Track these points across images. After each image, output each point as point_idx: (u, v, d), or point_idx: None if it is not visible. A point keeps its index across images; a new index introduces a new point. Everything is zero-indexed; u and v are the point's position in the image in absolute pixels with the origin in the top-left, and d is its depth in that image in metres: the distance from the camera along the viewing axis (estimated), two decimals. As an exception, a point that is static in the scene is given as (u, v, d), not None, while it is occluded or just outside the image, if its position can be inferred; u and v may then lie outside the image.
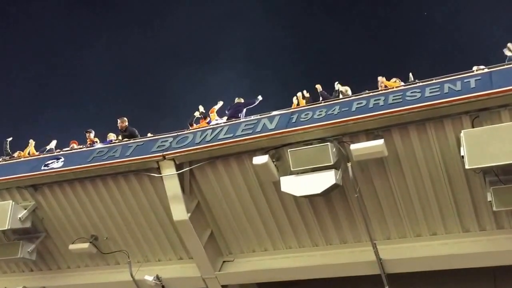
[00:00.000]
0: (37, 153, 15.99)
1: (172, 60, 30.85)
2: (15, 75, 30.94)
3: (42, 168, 12.41)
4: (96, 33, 31.30)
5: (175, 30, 30.89)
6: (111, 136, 15.48)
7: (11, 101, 29.71)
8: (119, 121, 14.36)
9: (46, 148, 16.49)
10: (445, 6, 27.06)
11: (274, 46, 30.37)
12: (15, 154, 16.33)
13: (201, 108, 14.69)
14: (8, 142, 17.02)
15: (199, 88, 27.66)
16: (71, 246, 12.70)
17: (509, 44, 12.16)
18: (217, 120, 14.47)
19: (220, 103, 15.17)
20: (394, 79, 12.89)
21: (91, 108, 29.87)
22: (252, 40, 30.31)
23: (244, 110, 13.82)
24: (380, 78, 13.06)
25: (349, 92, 13.01)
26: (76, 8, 31.87)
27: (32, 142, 16.77)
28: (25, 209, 12.51)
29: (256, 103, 14.22)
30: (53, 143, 16.72)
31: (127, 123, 14.28)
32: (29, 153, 16.32)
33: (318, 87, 14.24)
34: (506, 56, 11.83)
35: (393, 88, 11.24)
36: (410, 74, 13.30)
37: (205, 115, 14.48)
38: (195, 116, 14.76)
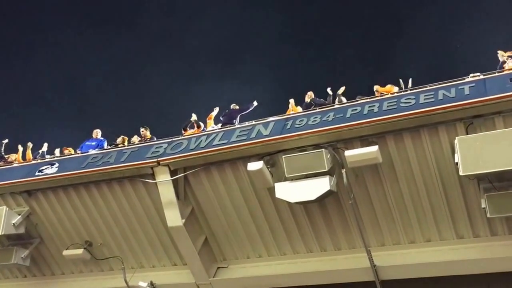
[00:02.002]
0: (32, 158, 15.93)
1: (170, 65, 30.88)
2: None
3: (36, 173, 12.40)
4: (91, 37, 31.33)
5: (172, 35, 30.96)
6: (97, 133, 15.47)
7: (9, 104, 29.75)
8: (143, 130, 14.64)
9: (39, 152, 16.43)
10: (441, 13, 27.18)
11: (271, 50, 30.42)
12: (7, 156, 16.21)
13: (194, 117, 14.65)
14: (3, 144, 16.91)
15: (196, 94, 27.65)
16: (65, 252, 12.65)
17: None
18: (213, 127, 14.43)
19: (217, 109, 15.15)
20: (389, 86, 12.91)
21: (88, 112, 29.83)
22: (249, 46, 30.39)
23: (239, 116, 13.82)
24: (376, 87, 13.09)
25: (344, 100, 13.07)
26: (71, 11, 31.95)
27: (29, 145, 16.67)
28: (19, 214, 12.46)
29: (251, 109, 14.21)
30: (44, 146, 16.67)
31: (149, 133, 14.59)
32: (24, 157, 16.22)
33: (310, 94, 14.21)
34: (499, 60, 11.85)
35: (388, 93, 11.26)
36: (410, 80, 13.27)
37: (198, 124, 14.42)
38: (190, 121, 14.71)
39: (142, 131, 14.82)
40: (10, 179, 12.65)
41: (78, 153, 14.33)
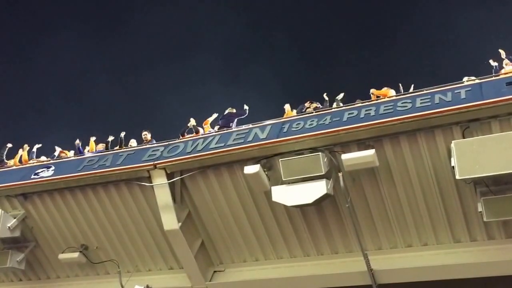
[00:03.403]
0: (29, 159, 15.87)
1: (166, 69, 30.89)
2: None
3: (32, 176, 12.37)
4: (91, 40, 31.37)
5: (169, 38, 30.98)
6: (100, 146, 15.42)
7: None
8: (145, 133, 14.66)
9: (34, 152, 16.38)
10: (437, 17, 27.30)
11: (271, 55, 30.51)
12: (7, 162, 16.15)
13: (192, 121, 14.65)
14: (6, 149, 16.84)
15: (192, 98, 27.66)
16: (61, 256, 12.62)
17: (500, 50, 12.19)
18: (210, 132, 14.41)
19: (215, 115, 15.13)
20: (385, 88, 12.89)
21: (86, 115, 29.81)
22: (249, 50, 30.49)
23: (236, 120, 13.80)
24: (372, 91, 13.07)
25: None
26: (70, 14, 32.00)
27: (26, 147, 16.60)
28: (15, 218, 12.44)
29: (246, 114, 14.19)
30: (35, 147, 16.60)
31: (149, 136, 14.61)
32: (20, 160, 16.16)
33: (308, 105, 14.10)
34: (493, 66, 11.88)
35: (384, 96, 11.26)
36: (401, 85, 13.26)
37: (196, 130, 14.42)
38: (188, 126, 14.69)
39: (144, 135, 14.81)
40: (6, 182, 12.63)
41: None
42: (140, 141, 14.77)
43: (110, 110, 29.41)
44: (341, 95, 13.81)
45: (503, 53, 12.08)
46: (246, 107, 14.37)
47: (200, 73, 30.21)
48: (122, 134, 15.18)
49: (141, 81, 31.12)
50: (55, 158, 15.86)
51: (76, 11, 32.01)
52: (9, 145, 16.65)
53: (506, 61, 11.74)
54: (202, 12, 31.44)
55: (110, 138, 15.44)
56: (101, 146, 15.51)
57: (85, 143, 15.92)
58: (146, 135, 14.66)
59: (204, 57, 30.11)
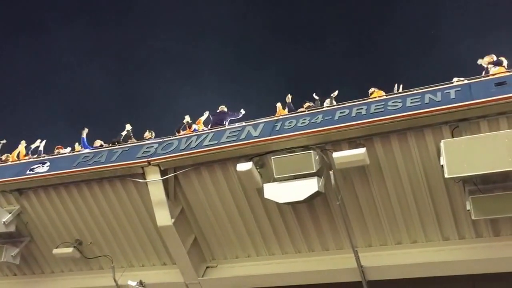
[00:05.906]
0: (26, 156, 15.93)
1: (162, 67, 30.95)
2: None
3: (28, 172, 12.44)
4: (90, 35, 31.41)
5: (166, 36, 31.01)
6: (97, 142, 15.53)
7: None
8: (147, 133, 14.87)
9: (31, 147, 16.44)
10: (427, 18, 27.45)
11: (262, 54, 30.56)
12: (3, 157, 16.21)
13: (187, 118, 14.75)
14: (0, 145, 16.89)
15: (188, 97, 27.72)
16: (55, 251, 12.69)
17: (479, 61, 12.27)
18: (203, 129, 14.48)
19: (206, 114, 15.23)
20: (372, 89, 12.95)
21: (85, 112, 29.85)
22: (237, 49, 30.56)
23: (229, 119, 13.92)
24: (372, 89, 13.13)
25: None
26: (67, 9, 32.00)
27: (23, 143, 16.67)
28: (10, 213, 12.52)
29: (240, 116, 14.30)
30: (37, 142, 16.65)
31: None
32: (18, 155, 16.22)
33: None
34: (484, 66, 11.96)
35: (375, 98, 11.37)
36: (397, 85, 13.37)
37: (190, 125, 14.53)
38: (184, 123, 14.81)
39: (150, 133, 14.96)
40: (1, 177, 12.69)
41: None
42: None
43: (108, 108, 29.51)
44: (335, 93, 13.91)
45: (485, 61, 12.12)
46: (242, 111, 14.49)
47: (199, 72, 30.31)
48: (129, 128, 15.36)
49: (140, 80, 31.20)
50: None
51: (71, 3, 32.06)
52: (3, 141, 16.74)
53: (490, 66, 11.78)
54: (202, 10, 31.53)
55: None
56: (98, 143, 15.61)
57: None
58: (152, 134, 14.82)
59: (203, 57, 30.25)
